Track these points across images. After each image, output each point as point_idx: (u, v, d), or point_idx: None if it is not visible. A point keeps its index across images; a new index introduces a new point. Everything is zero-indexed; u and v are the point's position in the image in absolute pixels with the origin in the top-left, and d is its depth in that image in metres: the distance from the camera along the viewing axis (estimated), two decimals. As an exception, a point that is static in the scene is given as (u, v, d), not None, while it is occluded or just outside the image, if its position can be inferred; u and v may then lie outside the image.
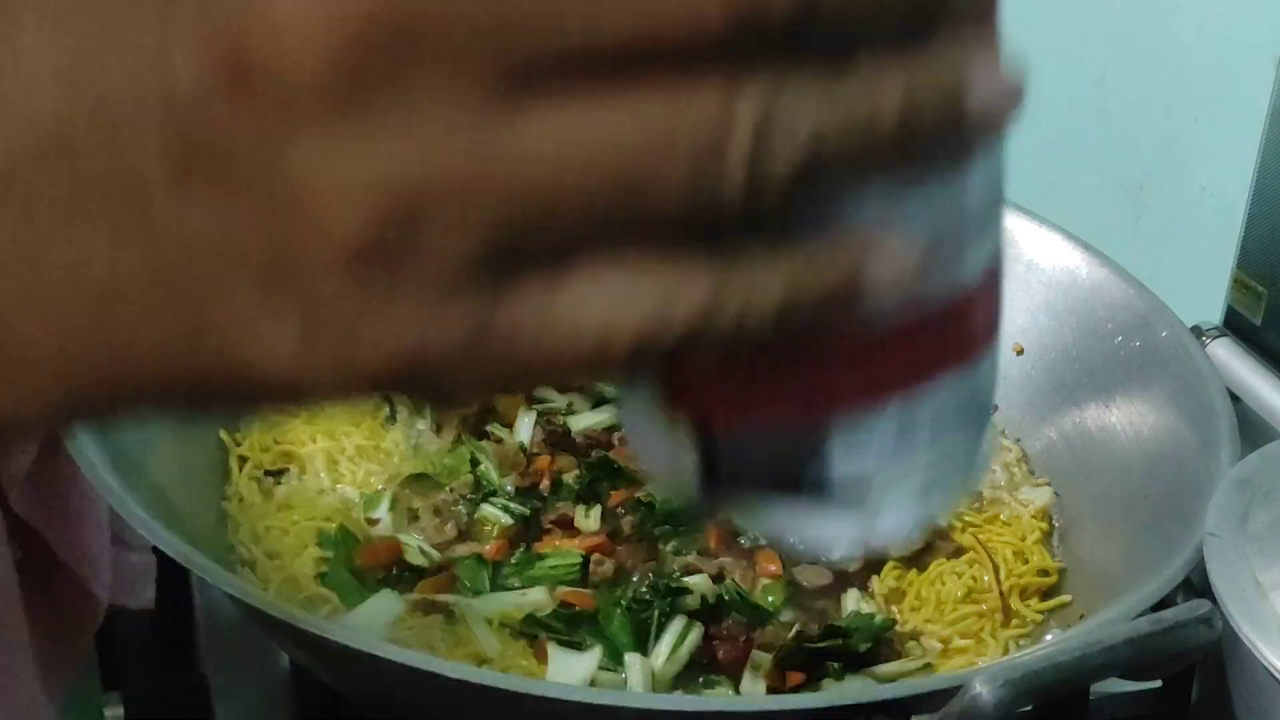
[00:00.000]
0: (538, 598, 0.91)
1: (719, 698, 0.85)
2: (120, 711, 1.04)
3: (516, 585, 0.93)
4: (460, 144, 0.27)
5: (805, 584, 0.95)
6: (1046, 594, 0.96)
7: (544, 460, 1.01)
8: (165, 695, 1.05)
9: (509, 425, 1.04)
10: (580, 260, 0.28)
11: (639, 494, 0.97)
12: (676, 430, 0.34)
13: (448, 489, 0.99)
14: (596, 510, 0.97)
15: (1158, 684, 0.90)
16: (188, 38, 0.28)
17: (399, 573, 0.93)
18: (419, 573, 0.93)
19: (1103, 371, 1.04)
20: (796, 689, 0.86)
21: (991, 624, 0.94)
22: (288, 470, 1.01)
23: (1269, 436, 0.96)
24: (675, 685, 0.86)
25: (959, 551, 0.98)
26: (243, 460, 1.00)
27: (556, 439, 1.02)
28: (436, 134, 0.27)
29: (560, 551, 0.94)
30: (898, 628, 0.91)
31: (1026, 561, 0.98)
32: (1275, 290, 1.02)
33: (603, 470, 0.99)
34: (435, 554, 0.94)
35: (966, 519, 1.01)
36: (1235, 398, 0.97)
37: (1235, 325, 1.05)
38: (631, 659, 0.86)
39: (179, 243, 0.29)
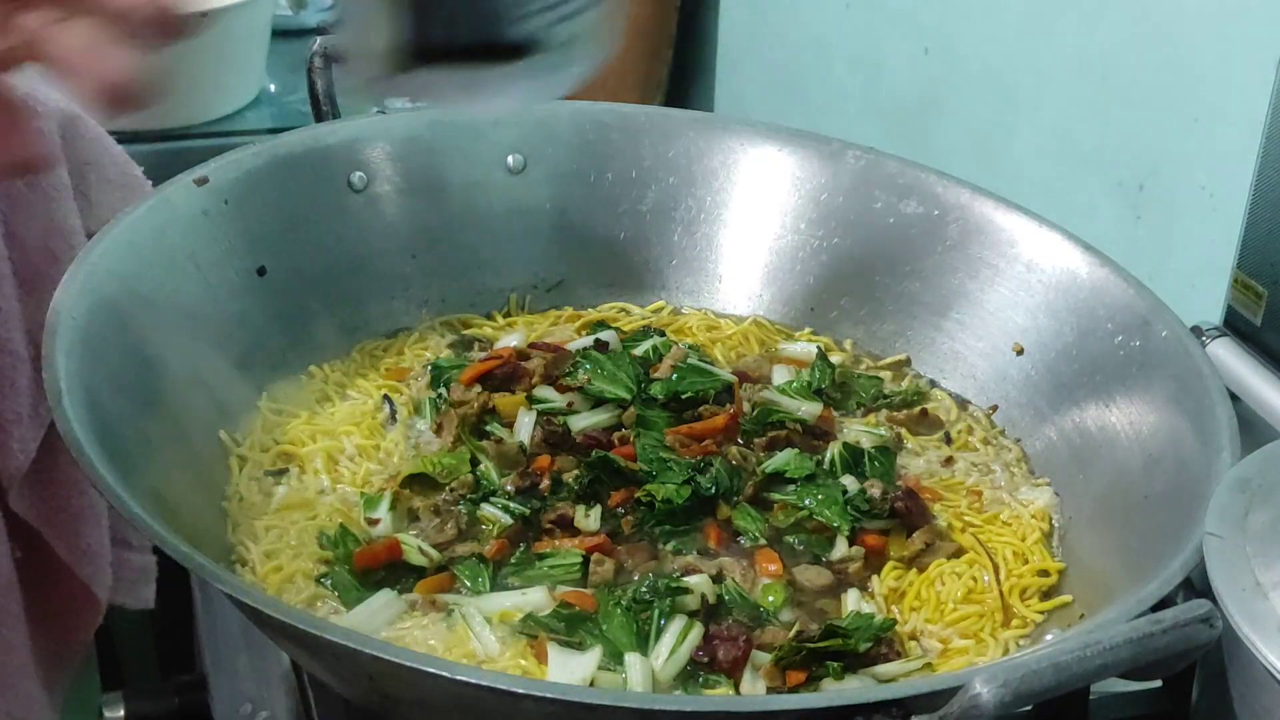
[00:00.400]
0: (538, 598, 0.91)
1: (719, 698, 0.85)
2: (120, 711, 1.04)
3: (516, 585, 0.93)
4: None
5: (805, 584, 0.95)
6: (1046, 594, 0.96)
7: (544, 460, 1.01)
8: (165, 695, 1.05)
9: (509, 425, 1.04)
10: None
11: (639, 494, 0.98)
12: None
13: (448, 489, 0.99)
14: (596, 510, 0.97)
15: (1158, 684, 0.90)
16: None
17: (399, 573, 0.93)
18: (419, 573, 0.93)
19: (1103, 371, 1.04)
20: (796, 689, 0.86)
21: (991, 624, 0.94)
22: (288, 470, 1.01)
23: (1269, 436, 0.96)
24: (675, 685, 0.86)
25: (959, 551, 0.98)
26: (243, 460, 1.00)
27: (556, 439, 1.02)
28: None
29: (560, 551, 0.94)
30: (898, 628, 0.91)
31: (1026, 561, 0.98)
32: (1275, 290, 1.02)
33: (603, 470, 0.99)
34: (435, 554, 0.94)
35: (966, 519, 1.01)
36: (1235, 398, 0.97)
37: (1235, 325, 1.05)
38: (631, 659, 0.86)
39: None
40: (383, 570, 0.93)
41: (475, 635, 0.88)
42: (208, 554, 0.79)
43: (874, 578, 0.96)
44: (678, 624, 0.88)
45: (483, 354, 1.12)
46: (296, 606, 0.89)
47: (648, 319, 1.19)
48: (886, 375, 1.15)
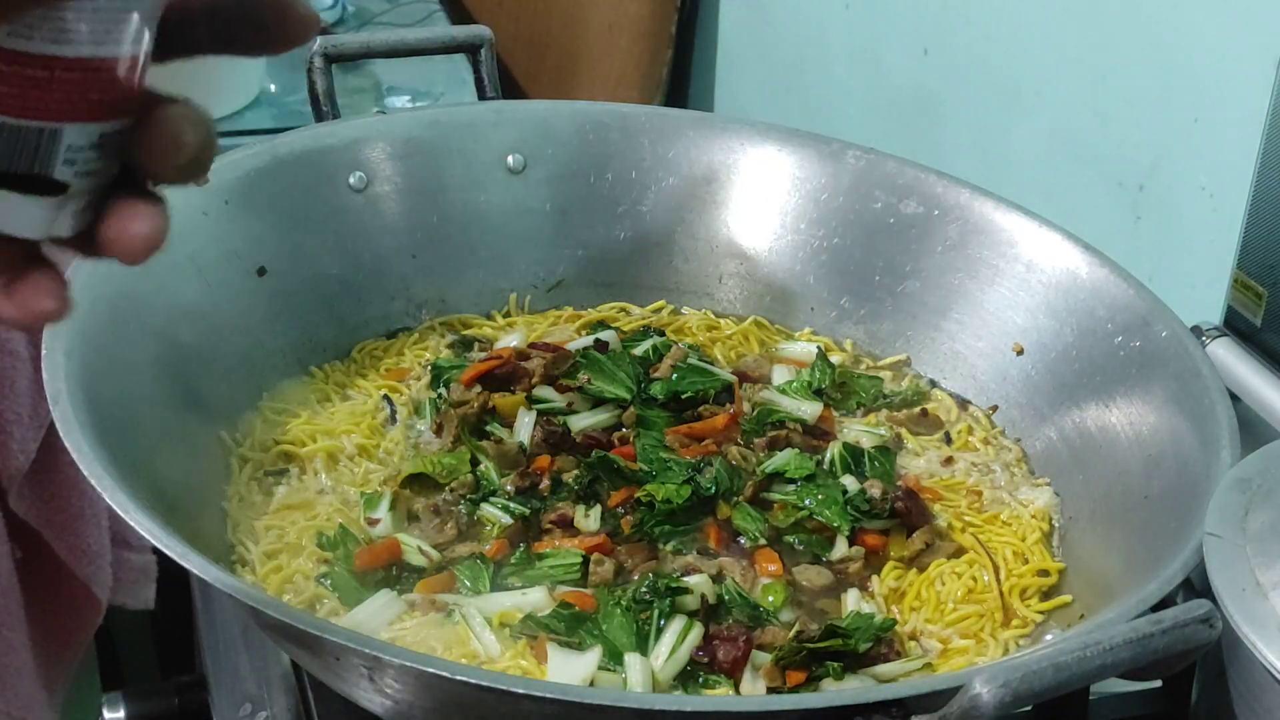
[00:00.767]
0: (538, 598, 0.91)
1: (719, 698, 0.85)
2: (120, 712, 1.04)
3: (516, 585, 0.93)
4: None
5: (805, 584, 0.95)
6: (1046, 594, 0.96)
7: (544, 460, 1.01)
8: (165, 695, 1.05)
9: (509, 425, 1.04)
10: None
11: (639, 494, 0.98)
12: None
13: (448, 489, 0.99)
14: (596, 510, 0.97)
15: (1158, 684, 0.90)
16: None
17: (399, 573, 0.93)
18: (419, 573, 0.93)
19: (1103, 371, 1.04)
20: (796, 689, 0.86)
21: (991, 624, 0.94)
22: (288, 470, 1.01)
23: (1269, 436, 0.96)
24: (675, 685, 0.86)
25: (959, 551, 0.98)
26: (243, 460, 1.00)
27: (556, 439, 1.02)
28: None
29: (560, 551, 0.94)
30: (898, 628, 0.91)
31: (1026, 561, 0.98)
32: (1275, 290, 1.02)
33: (603, 470, 0.99)
34: (435, 554, 0.94)
35: (967, 519, 1.01)
36: (1235, 398, 0.97)
37: (1235, 325, 1.05)
38: (631, 659, 0.86)
39: None
40: (383, 570, 0.93)
41: (475, 635, 0.88)
42: (208, 554, 0.79)
43: (874, 578, 0.96)
44: (678, 624, 0.88)
45: (483, 354, 1.12)
46: (296, 607, 0.89)
47: (648, 319, 1.19)
48: (886, 375, 1.15)
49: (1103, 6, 1.25)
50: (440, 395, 1.07)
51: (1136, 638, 0.70)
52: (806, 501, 0.99)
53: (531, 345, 1.12)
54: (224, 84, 1.70)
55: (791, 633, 0.89)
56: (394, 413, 1.07)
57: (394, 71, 1.89)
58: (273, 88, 1.80)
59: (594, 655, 0.86)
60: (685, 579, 0.92)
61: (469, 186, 1.18)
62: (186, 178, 0.51)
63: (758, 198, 1.20)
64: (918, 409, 1.11)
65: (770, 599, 0.93)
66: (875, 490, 0.99)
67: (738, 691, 0.86)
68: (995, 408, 1.11)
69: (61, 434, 0.81)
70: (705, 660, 0.87)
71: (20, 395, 1.09)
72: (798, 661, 0.86)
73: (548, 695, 0.71)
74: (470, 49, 1.21)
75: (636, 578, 0.93)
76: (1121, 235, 1.22)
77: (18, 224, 0.49)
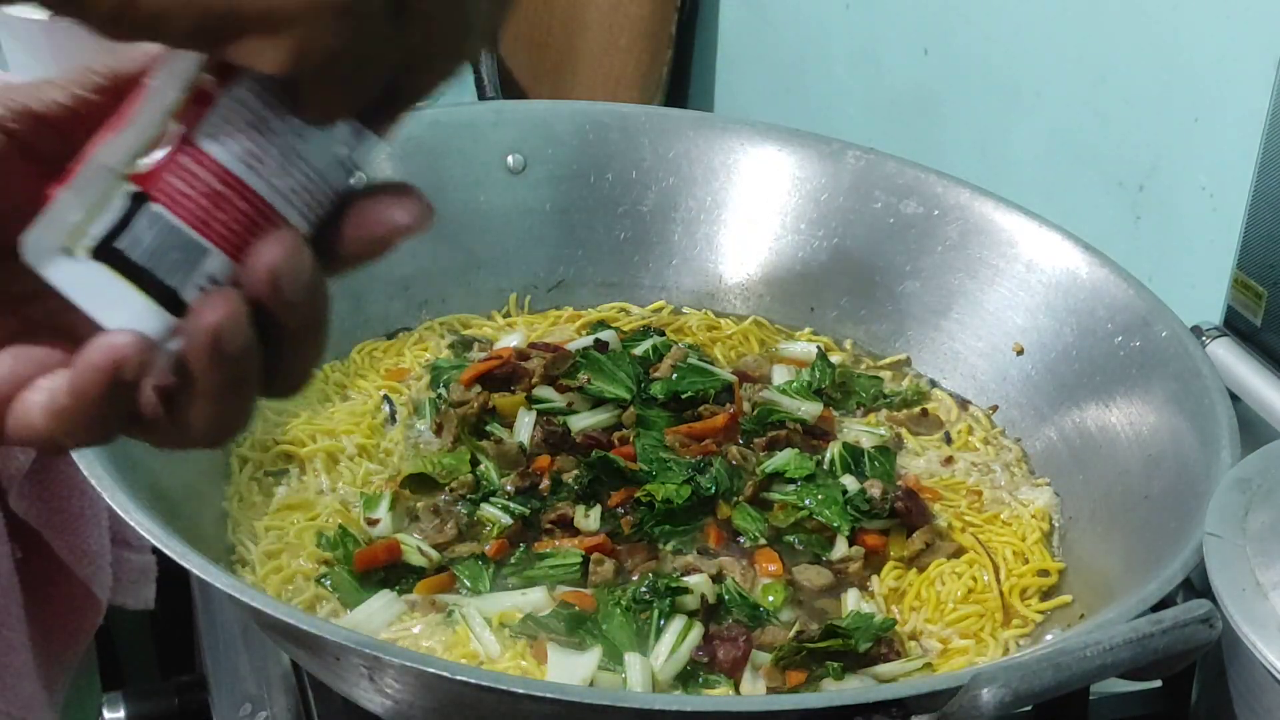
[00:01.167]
0: (538, 598, 0.91)
1: (719, 698, 0.85)
2: (120, 712, 1.04)
3: (516, 585, 0.93)
4: None
5: (805, 584, 0.95)
6: (1046, 594, 0.96)
7: (544, 460, 1.01)
8: (165, 695, 1.05)
9: (509, 425, 1.04)
10: None
11: (639, 494, 0.98)
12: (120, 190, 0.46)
13: (448, 489, 0.99)
14: (596, 510, 0.97)
15: (1158, 684, 0.90)
16: None
17: (399, 573, 0.93)
18: (419, 573, 0.93)
19: (1103, 371, 1.04)
20: (796, 689, 0.86)
21: (991, 624, 0.94)
22: (288, 470, 1.01)
23: (1269, 436, 0.96)
24: (675, 685, 0.86)
25: (959, 551, 0.98)
26: (243, 460, 1.00)
27: (556, 439, 1.02)
28: None
29: (560, 551, 0.94)
30: (898, 628, 0.91)
31: (1026, 561, 0.98)
32: (1275, 290, 1.02)
33: (603, 470, 0.99)
34: (435, 554, 0.94)
35: (967, 518, 1.01)
36: (1235, 398, 0.97)
37: (1235, 325, 1.05)
38: (631, 659, 0.86)
39: None
40: (382, 570, 0.93)
41: (475, 635, 0.88)
42: (208, 554, 0.79)
43: (874, 578, 0.96)
44: (677, 624, 0.88)
45: (482, 354, 1.12)
46: (296, 607, 0.89)
47: (648, 319, 1.19)
48: (886, 375, 1.15)
49: (1103, 6, 1.25)
50: (440, 395, 1.07)
51: (1136, 638, 0.70)
52: (806, 501, 0.99)
53: (531, 345, 1.12)
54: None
55: (791, 633, 0.89)
56: (394, 413, 1.07)
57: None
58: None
59: (594, 655, 0.86)
60: (685, 579, 0.92)
61: (469, 186, 1.18)
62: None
63: (758, 198, 1.20)
64: (918, 409, 1.11)
65: (770, 599, 0.93)
66: (875, 490, 0.99)
67: (738, 691, 0.86)
68: (995, 408, 1.11)
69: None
70: (705, 660, 0.87)
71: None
72: (798, 661, 0.86)
73: (548, 695, 0.72)
74: (470, 49, 1.20)
75: (636, 578, 0.93)
76: (1121, 235, 1.22)
77: (113, 315, 0.46)
